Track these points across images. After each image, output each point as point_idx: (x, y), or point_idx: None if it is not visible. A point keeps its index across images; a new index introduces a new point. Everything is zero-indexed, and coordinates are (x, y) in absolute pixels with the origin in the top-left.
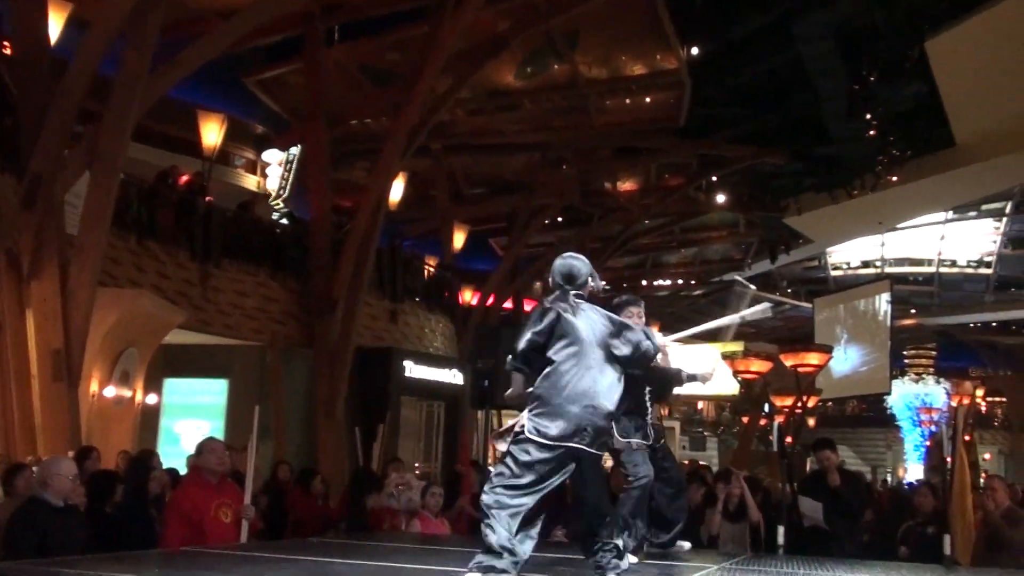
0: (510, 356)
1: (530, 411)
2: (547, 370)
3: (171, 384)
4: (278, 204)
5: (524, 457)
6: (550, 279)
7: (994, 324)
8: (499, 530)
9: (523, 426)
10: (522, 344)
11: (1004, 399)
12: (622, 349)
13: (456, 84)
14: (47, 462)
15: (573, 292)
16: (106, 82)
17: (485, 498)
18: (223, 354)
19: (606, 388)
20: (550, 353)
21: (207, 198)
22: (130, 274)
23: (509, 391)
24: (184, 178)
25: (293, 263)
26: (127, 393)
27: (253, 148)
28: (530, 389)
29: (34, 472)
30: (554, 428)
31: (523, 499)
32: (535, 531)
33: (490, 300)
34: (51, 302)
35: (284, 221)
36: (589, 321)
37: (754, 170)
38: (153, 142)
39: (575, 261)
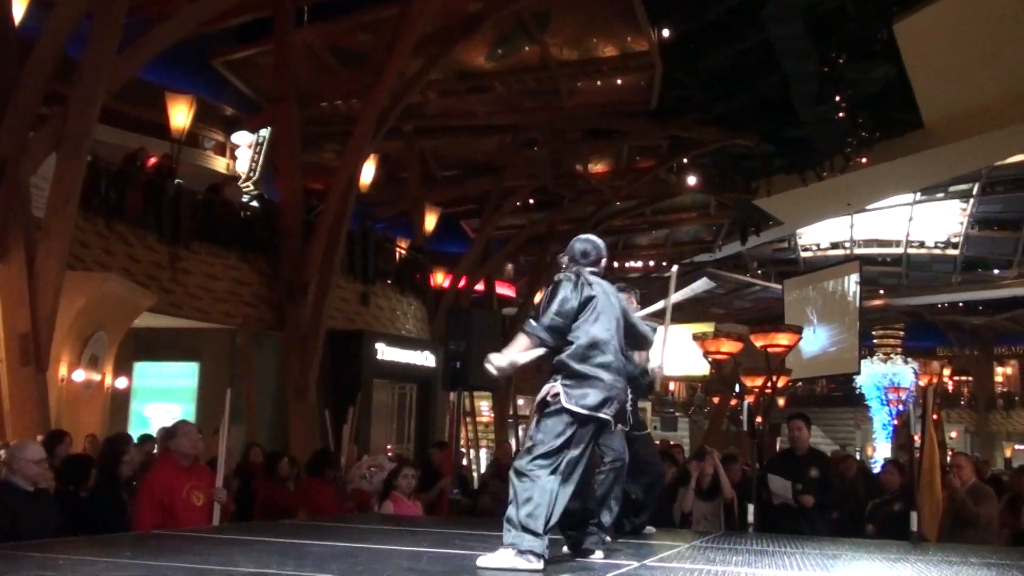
0: (536, 321)
1: (563, 382)
2: (579, 341)
3: (141, 368)
4: (248, 186)
5: (560, 428)
6: (566, 257)
7: (961, 304)
8: (537, 509)
9: (556, 395)
10: (554, 315)
11: (970, 378)
12: (639, 328)
13: (427, 66)
14: (14, 447)
15: (589, 269)
16: (72, 63)
17: (520, 468)
18: (193, 337)
19: (624, 363)
20: (579, 324)
21: (176, 180)
22: (98, 257)
23: (518, 354)
24: (153, 160)
25: (264, 245)
26: (96, 377)
27: (222, 130)
28: (559, 357)
29: (2, 457)
30: (590, 398)
31: (556, 474)
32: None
33: (462, 282)
34: (18, 286)
35: (254, 203)
36: (612, 298)
37: (724, 152)
38: (121, 124)
39: (589, 243)
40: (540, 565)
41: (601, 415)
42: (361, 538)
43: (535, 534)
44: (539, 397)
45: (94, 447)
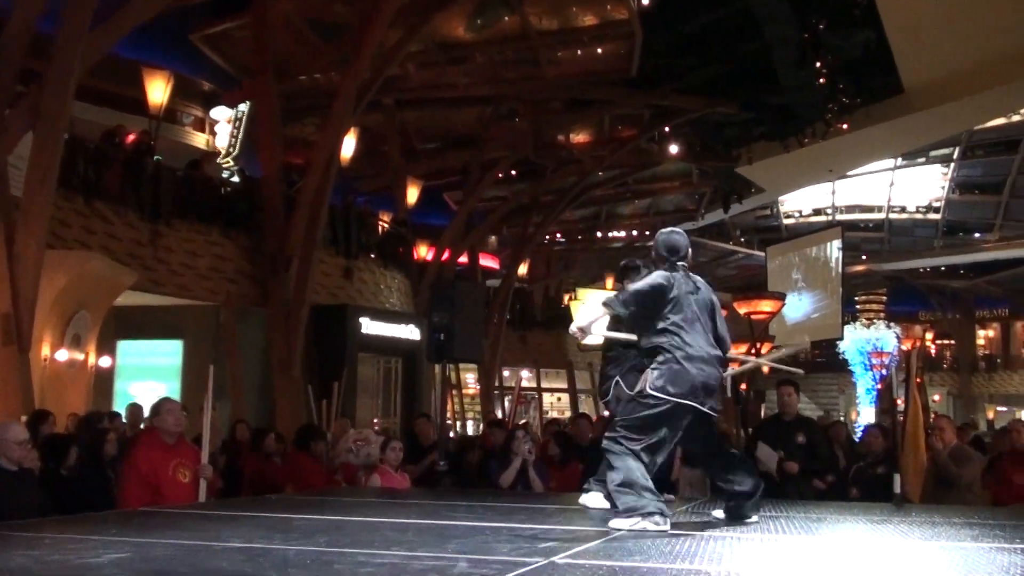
0: (621, 301)
1: (652, 371)
2: (667, 333)
3: (124, 346)
4: (228, 162)
5: (645, 412)
6: (653, 252)
7: (943, 269)
8: (633, 477)
9: (648, 382)
10: (637, 297)
11: (952, 342)
12: (719, 329)
13: (406, 37)
14: None
15: (680, 263)
16: (47, 40)
17: (610, 447)
18: (176, 315)
19: (715, 354)
20: (667, 314)
21: (155, 157)
22: (78, 236)
23: (591, 320)
24: (131, 137)
25: (245, 221)
26: (79, 356)
27: (201, 105)
28: (650, 342)
29: None
30: (674, 387)
31: (645, 454)
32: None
33: (445, 255)
34: None
35: (235, 179)
36: (704, 291)
37: (706, 120)
38: (98, 101)
39: (677, 236)
40: (667, 526)
41: (687, 403)
42: (348, 511)
43: (652, 493)
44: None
45: (77, 426)
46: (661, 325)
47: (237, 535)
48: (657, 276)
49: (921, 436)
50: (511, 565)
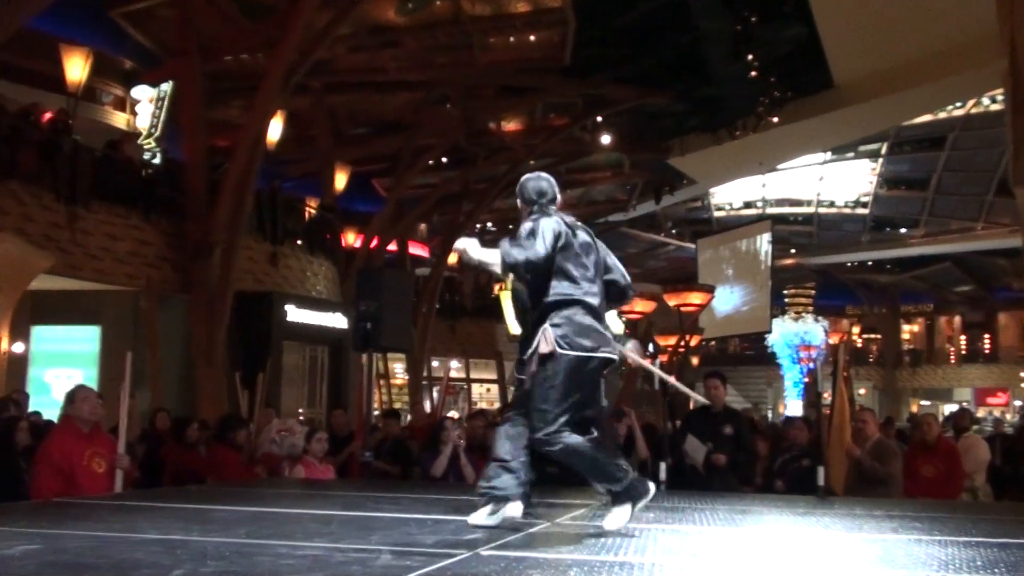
0: (518, 263)
1: (554, 327)
2: (566, 283)
3: (39, 332)
4: (150, 143)
5: (561, 376)
6: (519, 199)
7: (870, 263)
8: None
9: (554, 339)
10: (540, 254)
11: (879, 336)
12: (617, 270)
13: (335, 19)
14: None
15: (550, 207)
16: None
17: (550, 440)
18: (94, 300)
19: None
20: (562, 263)
21: (73, 137)
22: None
23: (488, 256)
24: (47, 115)
25: (167, 205)
26: None
27: (121, 84)
28: (549, 298)
29: None
30: (588, 340)
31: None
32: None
33: (374, 242)
34: None
35: (157, 161)
36: (590, 237)
37: (639, 110)
38: (12, 77)
39: (543, 180)
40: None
41: (601, 355)
42: (270, 502)
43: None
44: (533, 349)
45: None
46: (553, 279)
47: (154, 526)
48: (548, 221)
49: (847, 429)
50: (435, 557)
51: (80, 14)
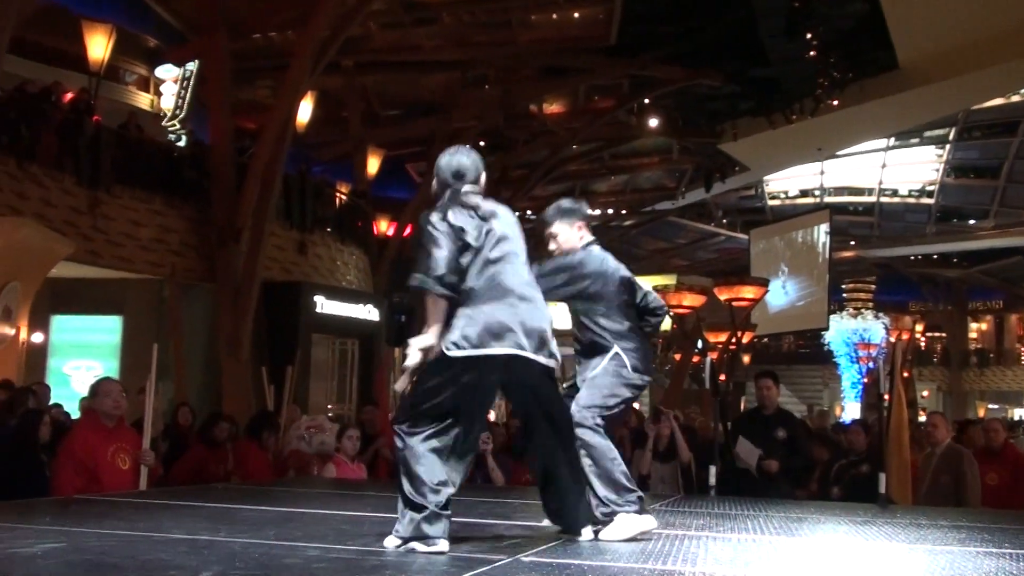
0: (430, 280)
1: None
2: (477, 273)
3: (59, 321)
4: (174, 125)
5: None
6: (434, 181)
7: (935, 256)
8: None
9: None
10: (446, 264)
11: (944, 334)
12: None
13: None
14: None
15: (469, 189)
16: None
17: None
18: (116, 288)
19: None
20: (479, 260)
21: (95, 117)
22: (10, 201)
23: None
24: (69, 95)
25: (192, 189)
26: (10, 331)
27: (145, 63)
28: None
29: None
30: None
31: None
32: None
33: (407, 230)
34: None
35: (181, 143)
36: (513, 224)
37: (688, 93)
38: (33, 55)
39: (463, 156)
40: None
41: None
42: (300, 502)
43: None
44: None
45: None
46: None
47: (179, 526)
48: (450, 228)
49: (905, 433)
50: (474, 562)
51: None
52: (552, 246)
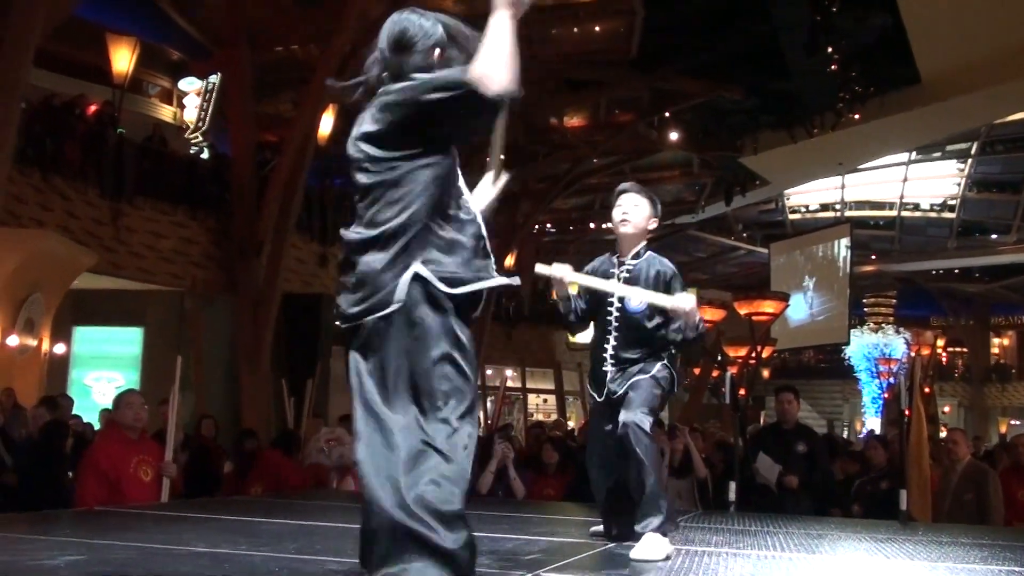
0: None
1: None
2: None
3: (81, 332)
4: (197, 137)
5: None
6: (374, 58)
7: (957, 271)
8: None
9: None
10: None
11: (965, 350)
12: None
13: (390, 7)
14: None
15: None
16: (4, 1)
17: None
18: (137, 300)
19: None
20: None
21: (118, 130)
22: (34, 213)
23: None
24: (93, 108)
25: (214, 202)
26: (32, 342)
27: (168, 76)
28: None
29: None
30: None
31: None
32: None
33: None
34: None
35: (204, 156)
36: None
37: (709, 106)
38: (58, 68)
39: (414, 16)
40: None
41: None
42: (320, 515)
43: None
44: None
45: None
46: None
47: (201, 538)
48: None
49: (925, 449)
50: None
51: (127, 2)
52: (621, 215)
